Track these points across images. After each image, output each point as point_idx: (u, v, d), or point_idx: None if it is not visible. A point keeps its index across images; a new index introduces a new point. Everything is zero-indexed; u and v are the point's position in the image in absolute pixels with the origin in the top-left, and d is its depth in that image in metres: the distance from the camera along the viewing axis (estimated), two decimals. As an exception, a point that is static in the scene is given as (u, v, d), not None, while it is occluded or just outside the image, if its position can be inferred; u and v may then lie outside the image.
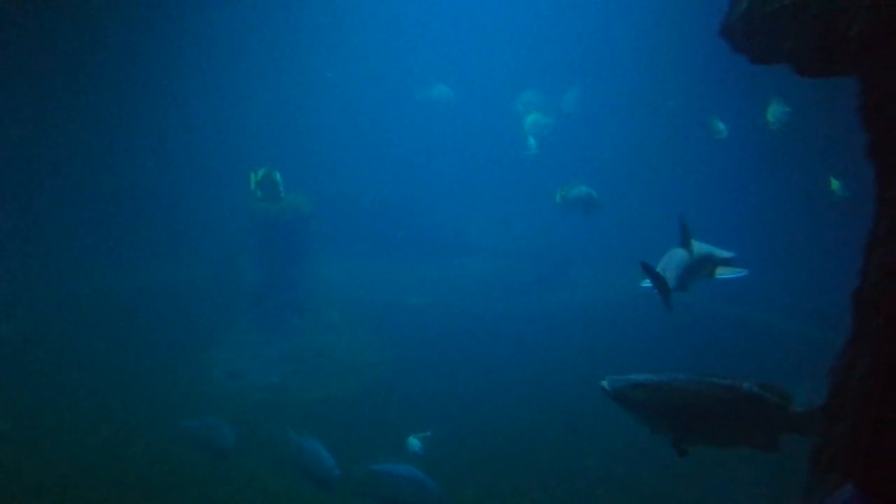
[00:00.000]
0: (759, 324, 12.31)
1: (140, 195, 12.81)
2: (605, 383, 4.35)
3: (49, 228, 12.57)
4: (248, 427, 9.24)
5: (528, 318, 12.60)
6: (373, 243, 13.53)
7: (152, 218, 12.70)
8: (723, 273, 6.58)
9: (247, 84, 13.24)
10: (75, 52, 11.90)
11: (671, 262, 6.26)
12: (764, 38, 4.26)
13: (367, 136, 14.07)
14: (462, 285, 13.32)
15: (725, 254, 6.53)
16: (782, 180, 12.62)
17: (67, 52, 11.87)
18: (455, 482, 8.50)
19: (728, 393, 4.18)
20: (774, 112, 10.06)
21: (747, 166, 12.87)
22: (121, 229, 12.63)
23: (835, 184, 10.10)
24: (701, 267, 6.37)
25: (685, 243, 6.32)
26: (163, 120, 12.53)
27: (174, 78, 12.45)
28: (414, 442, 8.29)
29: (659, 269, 6.15)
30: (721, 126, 10.73)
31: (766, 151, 12.55)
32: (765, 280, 11.63)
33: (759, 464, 8.78)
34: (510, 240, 14.50)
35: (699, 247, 6.43)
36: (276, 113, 13.45)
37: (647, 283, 6.23)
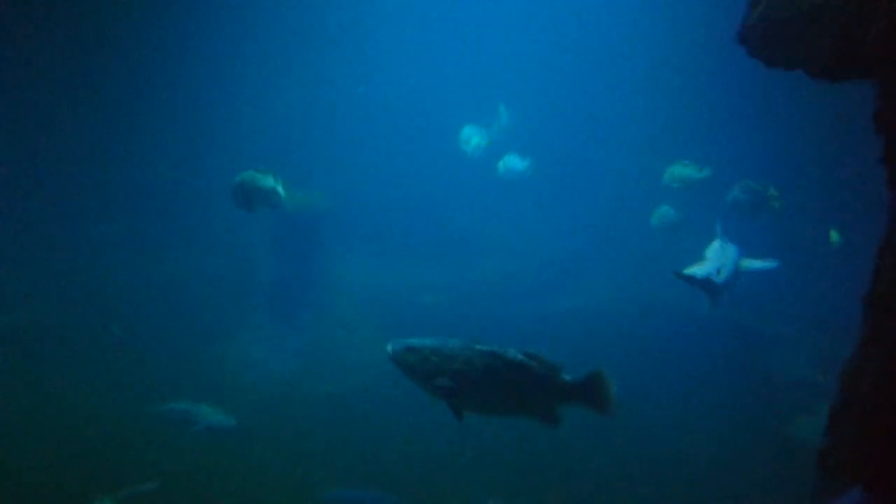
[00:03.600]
0: (765, 332, 12.34)
1: (159, 189, 12.99)
2: (388, 346, 4.46)
3: (69, 220, 12.78)
4: (261, 418, 9.35)
5: (539, 319, 12.64)
6: (387, 242, 13.63)
7: (170, 211, 12.88)
8: (753, 264, 6.84)
9: (269, 83, 13.41)
10: (102, 45, 12.11)
11: (718, 258, 6.62)
12: (780, 43, 4.31)
13: (384, 138, 14.18)
14: (474, 286, 13.39)
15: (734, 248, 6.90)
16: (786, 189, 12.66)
17: (95, 45, 12.07)
18: (456, 482, 8.57)
19: (492, 359, 4.28)
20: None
21: (752, 173, 12.91)
22: (139, 222, 12.84)
23: (834, 236, 10.16)
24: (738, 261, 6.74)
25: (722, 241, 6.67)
26: (185, 115, 12.71)
27: (198, 74, 12.66)
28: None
29: (711, 265, 6.46)
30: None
31: (773, 157, 12.58)
32: (771, 288, 11.70)
33: (770, 466, 8.81)
34: (523, 242, 14.56)
35: (725, 244, 6.76)
36: (296, 112, 13.61)
37: (689, 272, 6.54)
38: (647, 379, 11.27)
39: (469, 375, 4.28)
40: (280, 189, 7.47)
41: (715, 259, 6.90)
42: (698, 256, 8.64)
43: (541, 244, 14.47)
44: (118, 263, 12.56)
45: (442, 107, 13.58)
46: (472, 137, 11.24)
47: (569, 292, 13.60)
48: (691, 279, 6.68)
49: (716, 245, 7.73)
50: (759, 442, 9.65)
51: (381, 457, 9.02)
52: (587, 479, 8.73)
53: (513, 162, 10.36)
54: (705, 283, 6.76)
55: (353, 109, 13.78)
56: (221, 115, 12.95)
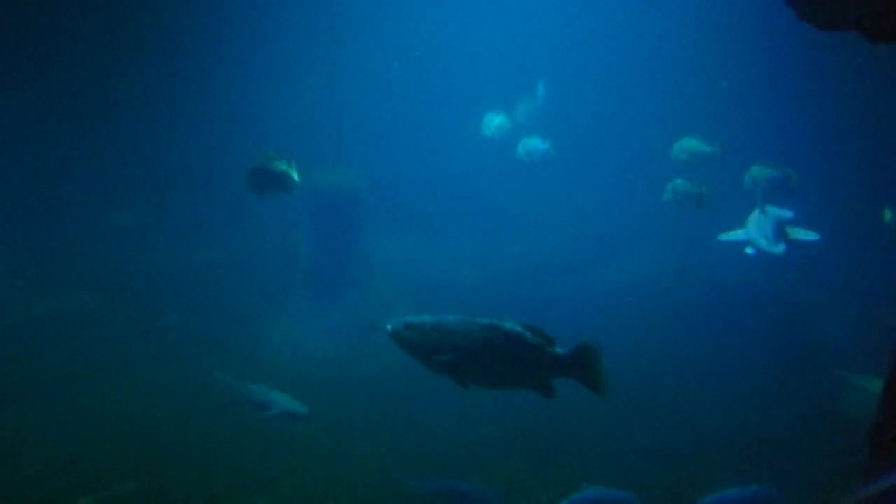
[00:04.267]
0: (808, 301, 12.15)
1: (200, 172, 13.18)
2: (388, 325, 4.50)
3: (111, 206, 13.05)
4: (304, 397, 9.52)
5: (577, 295, 12.67)
6: (425, 221, 13.71)
7: (212, 194, 13.08)
8: (797, 234, 6.90)
9: (306, 65, 13.48)
10: (134, 33, 12.22)
11: (763, 225, 6.86)
12: (832, 4, 4.18)
13: (422, 117, 14.20)
14: (512, 263, 13.42)
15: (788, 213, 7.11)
16: (841, 158, 12.36)
17: (127, 34, 12.19)
18: (501, 457, 8.65)
19: (490, 332, 4.28)
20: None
21: (804, 145, 12.65)
22: (181, 205, 13.07)
23: (888, 214, 9.88)
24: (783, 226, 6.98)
25: (763, 209, 6.83)
26: (223, 98, 12.84)
27: (235, 57, 12.76)
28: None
29: (751, 229, 6.65)
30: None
31: (824, 129, 12.31)
32: (819, 258, 11.49)
33: (816, 442, 8.70)
34: (559, 219, 14.51)
35: (774, 210, 6.96)
36: (333, 92, 13.67)
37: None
38: (689, 351, 11.22)
39: (469, 349, 4.32)
40: (293, 173, 7.27)
41: (759, 224, 7.08)
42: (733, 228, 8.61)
43: (578, 221, 14.40)
44: (162, 248, 12.82)
45: (481, 86, 13.57)
46: (494, 120, 11.09)
47: (607, 267, 13.56)
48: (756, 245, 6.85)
49: (756, 213, 7.83)
50: (805, 415, 9.53)
51: (423, 433, 9.14)
52: (631, 455, 8.72)
53: (533, 144, 10.22)
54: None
55: (392, 90, 13.82)
56: (260, 98, 13.07)
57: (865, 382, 9.37)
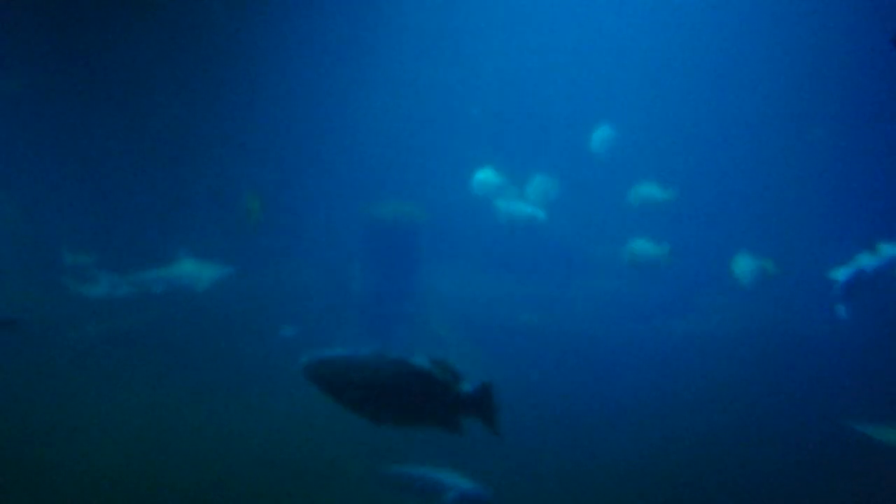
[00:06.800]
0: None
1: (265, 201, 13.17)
2: (302, 359, 4.46)
3: (165, 229, 13.08)
4: (354, 433, 9.03)
5: (649, 346, 11.92)
6: (483, 256, 13.30)
7: (269, 221, 12.99)
8: None
9: (369, 92, 13.39)
10: (204, 57, 12.31)
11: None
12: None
13: (484, 149, 13.93)
14: (578, 305, 12.76)
15: None
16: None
17: (200, 55, 12.26)
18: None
19: (398, 367, 4.24)
20: None
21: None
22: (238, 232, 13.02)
23: None
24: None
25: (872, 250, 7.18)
26: (282, 125, 12.81)
27: (296, 83, 12.71)
28: None
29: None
30: None
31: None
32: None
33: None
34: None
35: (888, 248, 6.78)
36: (395, 121, 13.54)
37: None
38: (771, 418, 10.35)
39: (377, 385, 4.29)
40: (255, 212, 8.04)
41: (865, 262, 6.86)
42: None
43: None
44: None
45: (544, 123, 13.17)
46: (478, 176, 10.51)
47: (681, 315, 12.75)
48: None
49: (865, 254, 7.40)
50: None
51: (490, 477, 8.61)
52: None
53: (515, 208, 9.67)
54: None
55: (453, 123, 13.59)
56: (320, 127, 12.96)
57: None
